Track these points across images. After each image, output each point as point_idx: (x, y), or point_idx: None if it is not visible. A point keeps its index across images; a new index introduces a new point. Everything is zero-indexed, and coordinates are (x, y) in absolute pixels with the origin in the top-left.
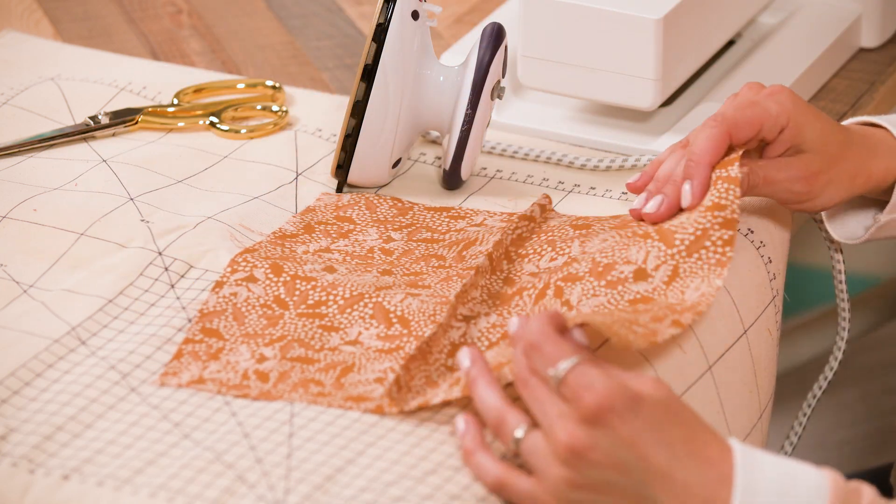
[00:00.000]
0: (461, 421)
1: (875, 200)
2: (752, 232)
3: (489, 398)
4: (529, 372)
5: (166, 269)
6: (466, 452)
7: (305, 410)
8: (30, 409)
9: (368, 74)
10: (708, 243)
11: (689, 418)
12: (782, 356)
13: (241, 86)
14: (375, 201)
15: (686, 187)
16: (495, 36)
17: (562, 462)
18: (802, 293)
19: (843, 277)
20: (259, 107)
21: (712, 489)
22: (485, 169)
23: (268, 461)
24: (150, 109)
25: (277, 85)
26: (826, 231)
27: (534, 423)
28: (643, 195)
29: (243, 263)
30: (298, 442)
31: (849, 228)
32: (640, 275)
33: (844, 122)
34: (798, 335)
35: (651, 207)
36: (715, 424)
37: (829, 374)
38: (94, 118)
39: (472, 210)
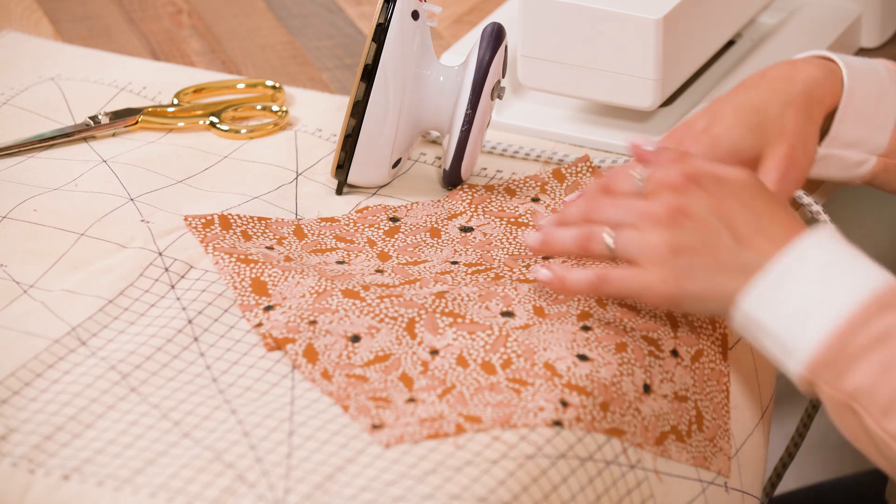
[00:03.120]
0: (541, 270)
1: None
2: None
3: (563, 234)
4: (604, 193)
5: (166, 269)
6: (559, 280)
7: (305, 409)
8: (30, 409)
9: (368, 74)
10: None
11: (772, 196)
12: None
13: (241, 86)
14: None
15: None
16: (495, 36)
17: (659, 232)
18: None
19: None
20: (259, 107)
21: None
22: (485, 169)
23: (268, 460)
24: (150, 109)
25: (277, 85)
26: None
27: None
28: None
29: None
30: (298, 441)
31: None
32: None
33: (800, 56)
34: None
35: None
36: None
37: None
38: (94, 118)
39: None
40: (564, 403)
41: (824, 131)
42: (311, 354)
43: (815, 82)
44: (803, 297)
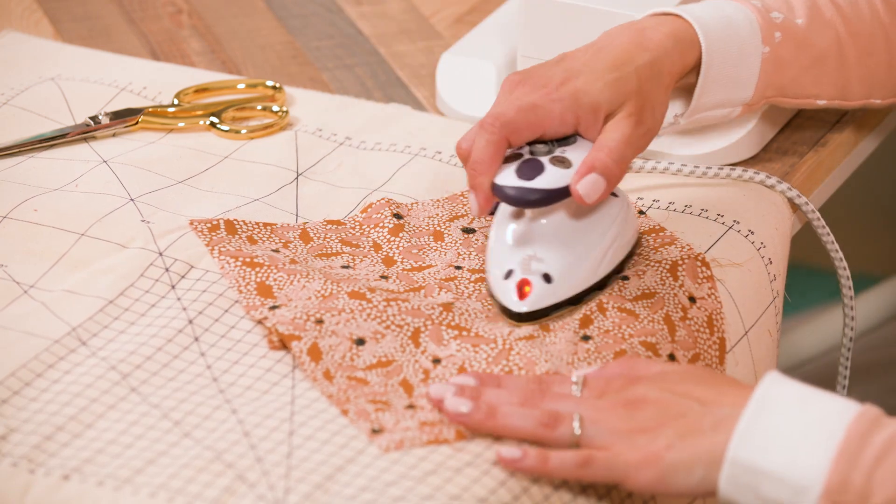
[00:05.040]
0: (511, 451)
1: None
2: (752, 233)
3: (521, 416)
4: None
5: (167, 269)
6: (540, 463)
7: (306, 409)
8: (30, 409)
9: None
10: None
11: (717, 373)
12: (782, 356)
13: (241, 86)
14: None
15: (472, 200)
16: None
17: (621, 418)
18: (804, 293)
19: (847, 274)
20: (259, 107)
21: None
22: None
23: (268, 460)
24: (150, 110)
25: (278, 85)
26: None
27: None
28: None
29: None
30: (299, 440)
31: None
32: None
33: (650, 13)
34: (798, 335)
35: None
36: None
37: (846, 372)
38: (94, 118)
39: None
40: None
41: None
42: (315, 353)
43: (664, 52)
44: (791, 426)
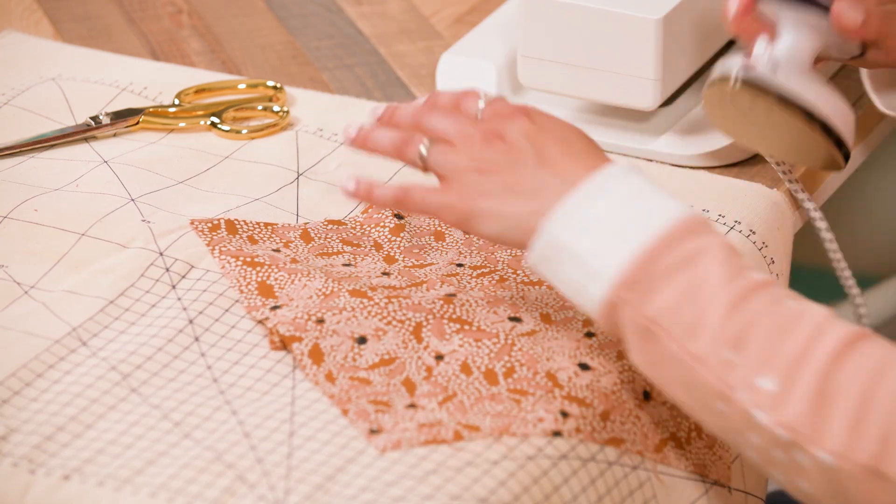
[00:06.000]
0: (349, 181)
1: None
2: (753, 233)
3: (383, 134)
4: (445, 107)
5: (167, 269)
6: (366, 193)
7: (306, 409)
8: (30, 409)
9: None
10: None
11: (594, 144)
12: None
13: (242, 86)
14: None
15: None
16: None
17: (469, 152)
18: (805, 293)
19: (848, 274)
20: (260, 107)
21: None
22: None
23: (268, 461)
24: (151, 110)
25: (278, 85)
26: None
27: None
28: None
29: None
30: (299, 441)
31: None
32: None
33: None
34: None
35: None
36: None
37: None
38: (95, 118)
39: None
40: (564, 414)
41: None
42: (316, 355)
43: None
44: (614, 217)
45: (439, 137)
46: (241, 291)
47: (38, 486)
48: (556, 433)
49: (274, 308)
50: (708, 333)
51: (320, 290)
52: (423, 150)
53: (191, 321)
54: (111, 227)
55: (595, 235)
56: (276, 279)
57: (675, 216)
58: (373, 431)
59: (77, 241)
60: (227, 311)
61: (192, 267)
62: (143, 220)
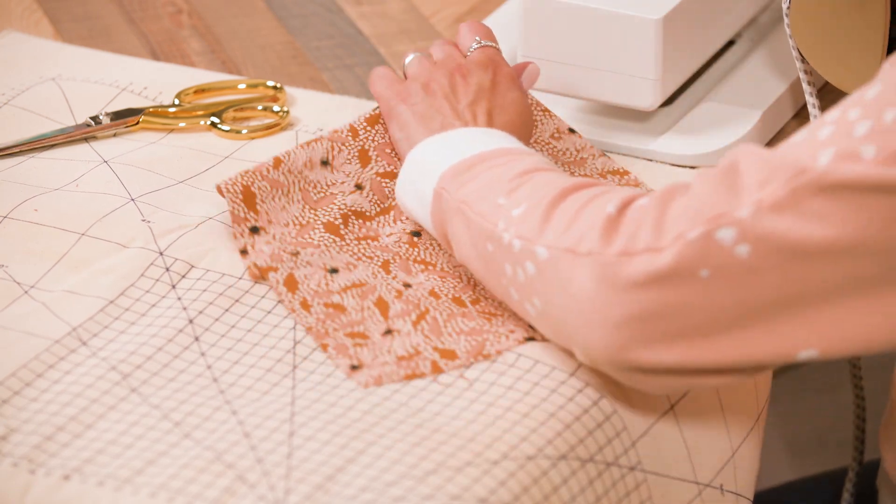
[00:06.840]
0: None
1: None
2: None
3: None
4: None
5: (167, 269)
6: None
7: (306, 409)
8: (30, 409)
9: None
10: None
11: (525, 136)
12: None
13: (242, 86)
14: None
15: None
16: None
17: (431, 74)
18: None
19: None
20: (260, 107)
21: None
22: None
23: (268, 461)
24: (151, 110)
25: (279, 85)
26: None
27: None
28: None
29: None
30: (299, 441)
31: None
32: None
33: None
34: None
35: None
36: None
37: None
38: (95, 118)
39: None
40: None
41: None
42: (291, 283)
43: None
44: (460, 142)
45: (430, 55)
46: (224, 194)
47: (38, 486)
48: (530, 339)
49: (253, 231)
50: (494, 195)
51: (297, 217)
52: (410, 58)
53: (191, 321)
54: (111, 226)
55: (439, 150)
56: (259, 188)
57: (510, 146)
58: (354, 367)
59: (77, 241)
60: (227, 310)
61: (192, 267)
62: (143, 220)
